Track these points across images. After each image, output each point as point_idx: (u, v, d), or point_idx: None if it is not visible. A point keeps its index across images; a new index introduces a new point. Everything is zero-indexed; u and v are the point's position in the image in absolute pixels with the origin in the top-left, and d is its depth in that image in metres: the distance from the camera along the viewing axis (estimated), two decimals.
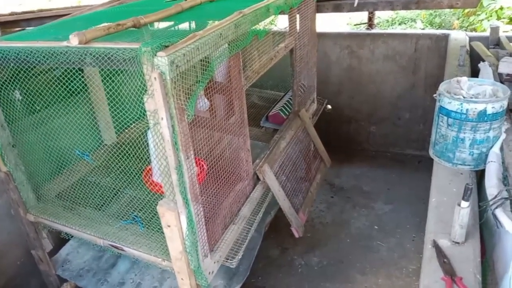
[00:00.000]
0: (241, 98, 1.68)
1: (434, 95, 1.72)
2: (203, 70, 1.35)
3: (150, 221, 1.71)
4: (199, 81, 1.31)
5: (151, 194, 1.91)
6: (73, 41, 1.30)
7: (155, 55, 1.16)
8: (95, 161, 2.06)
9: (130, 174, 1.97)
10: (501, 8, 4.65)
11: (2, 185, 1.70)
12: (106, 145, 2.33)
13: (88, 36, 1.33)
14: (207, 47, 1.35)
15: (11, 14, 3.81)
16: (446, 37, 3.19)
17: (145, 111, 1.30)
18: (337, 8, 2.78)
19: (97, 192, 1.92)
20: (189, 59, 1.25)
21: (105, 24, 1.46)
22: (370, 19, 3.50)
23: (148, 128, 1.86)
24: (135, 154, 1.84)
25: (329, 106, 3.34)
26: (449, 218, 1.48)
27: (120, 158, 2.08)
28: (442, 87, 1.72)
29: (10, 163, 1.70)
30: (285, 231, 2.41)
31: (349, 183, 3.40)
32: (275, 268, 2.59)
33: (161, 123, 1.23)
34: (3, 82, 1.60)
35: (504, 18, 4.69)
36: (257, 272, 2.55)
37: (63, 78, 1.90)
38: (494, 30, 2.95)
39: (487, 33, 3.14)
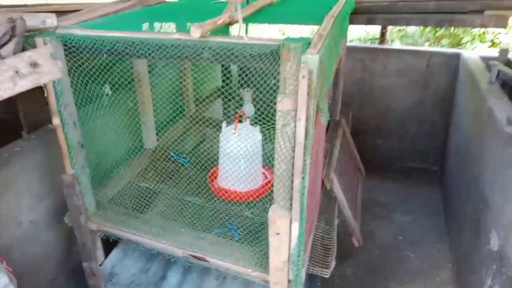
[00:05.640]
0: None
1: None
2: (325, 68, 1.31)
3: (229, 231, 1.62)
4: (327, 79, 1.26)
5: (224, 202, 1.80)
6: (195, 34, 1.22)
7: (304, 52, 1.11)
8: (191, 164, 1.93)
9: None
10: (484, 33, 4.99)
11: (67, 190, 1.53)
12: (146, 149, 2.20)
13: (206, 29, 1.25)
14: (332, 43, 1.32)
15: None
16: (457, 55, 3.35)
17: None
18: (370, 21, 2.84)
19: (159, 199, 1.80)
20: (326, 57, 1.21)
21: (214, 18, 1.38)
22: (383, 34, 3.61)
23: (220, 130, 1.78)
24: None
25: None
26: None
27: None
28: None
29: (77, 165, 1.53)
30: None
31: (363, 194, 3.43)
32: (311, 280, 2.53)
33: (298, 124, 1.17)
34: (87, 76, 1.45)
35: (486, 41, 5.04)
36: None
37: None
38: (504, 51, 3.13)
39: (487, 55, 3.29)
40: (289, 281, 1.42)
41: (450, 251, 2.75)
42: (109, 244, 1.92)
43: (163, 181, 1.95)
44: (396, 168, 3.86)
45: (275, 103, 1.18)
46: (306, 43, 1.13)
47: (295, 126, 1.19)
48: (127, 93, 1.96)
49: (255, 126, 1.78)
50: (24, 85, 0.86)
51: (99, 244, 1.73)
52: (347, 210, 1.95)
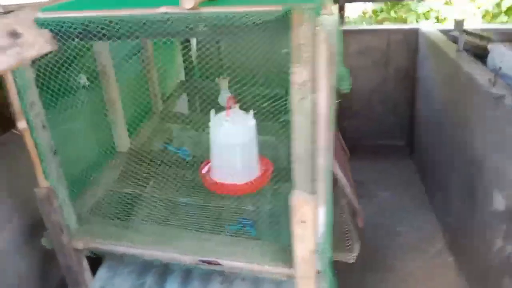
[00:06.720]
0: None
1: None
2: None
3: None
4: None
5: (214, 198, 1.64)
6: (187, 4, 1.05)
7: (319, 13, 0.98)
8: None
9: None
10: (428, 11, 5.18)
11: (43, 206, 1.28)
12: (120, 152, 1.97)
13: (197, 0, 1.09)
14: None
15: None
16: (415, 31, 3.40)
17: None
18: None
19: (148, 205, 1.60)
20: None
21: None
22: (342, 15, 3.58)
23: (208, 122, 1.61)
24: None
25: None
26: None
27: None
28: None
29: (52, 175, 1.30)
30: None
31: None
32: None
33: (319, 95, 1.04)
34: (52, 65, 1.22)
35: (430, 18, 5.23)
36: None
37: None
38: (459, 22, 3.20)
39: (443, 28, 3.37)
40: (317, 272, 1.29)
41: (438, 220, 2.77)
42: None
43: (146, 185, 1.75)
44: (365, 147, 3.85)
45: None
46: (319, 4, 1.00)
47: (313, 99, 1.07)
48: (94, 91, 1.74)
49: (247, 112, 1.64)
50: (3, 61, 0.65)
51: (85, 264, 1.50)
52: (348, 191, 1.86)
